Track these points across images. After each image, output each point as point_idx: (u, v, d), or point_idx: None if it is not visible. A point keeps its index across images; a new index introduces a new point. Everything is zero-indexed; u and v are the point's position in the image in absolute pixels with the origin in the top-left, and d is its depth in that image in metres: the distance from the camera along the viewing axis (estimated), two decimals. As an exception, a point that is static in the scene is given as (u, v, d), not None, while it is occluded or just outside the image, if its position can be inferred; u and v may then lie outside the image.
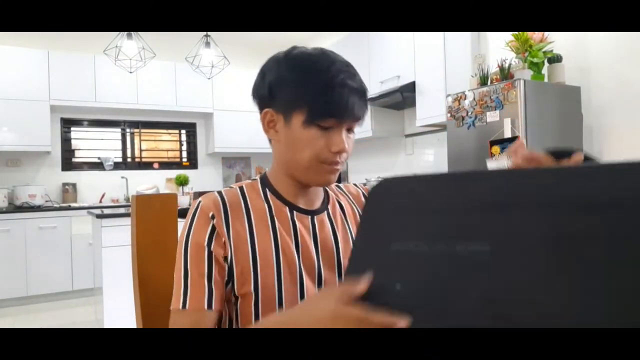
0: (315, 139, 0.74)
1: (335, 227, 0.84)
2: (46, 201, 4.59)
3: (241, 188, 0.82)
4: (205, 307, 0.73)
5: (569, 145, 2.76)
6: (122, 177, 5.11)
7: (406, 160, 4.26)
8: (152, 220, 0.85)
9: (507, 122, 2.60)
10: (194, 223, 0.76)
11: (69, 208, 4.42)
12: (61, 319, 3.77)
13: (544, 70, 2.88)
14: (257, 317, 0.76)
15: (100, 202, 4.98)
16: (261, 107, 0.80)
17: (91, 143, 5.14)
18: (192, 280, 0.74)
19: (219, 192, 0.80)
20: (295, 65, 0.76)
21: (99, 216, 2.78)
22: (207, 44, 3.82)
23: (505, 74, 2.80)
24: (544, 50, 2.84)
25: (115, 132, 5.26)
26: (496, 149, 2.66)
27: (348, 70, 0.75)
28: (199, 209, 0.77)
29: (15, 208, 4.31)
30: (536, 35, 2.85)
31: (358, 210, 0.91)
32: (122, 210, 3.02)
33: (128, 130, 5.30)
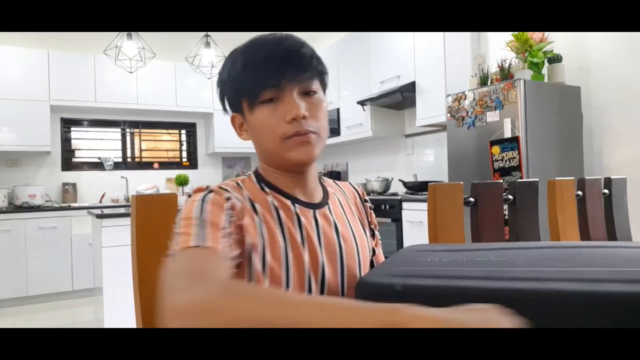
0: (267, 117, 0.72)
1: (336, 222, 0.82)
2: (46, 201, 4.59)
3: (238, 183, 0.79)
4: (220, 246, 0.64)
5: (569, 145, 2.76)
6: (122, 177, 5.11)
7: (406, 160, 4.26)
8: (152, 220, 0.85)
9: (507, 122, 2.60)
10: (209, 199, 0.70)
11: (69, 208, 4.42)
12: (61, 319, 3.77)
13: (544, 70, 2.88)
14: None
15: (100, 202, 4.98)
16: (230, 116, 0.81)
17: (91, 143, 5.14)
18: (211, 227, 0.65)
19: (221, 187, 0.75)
20: (228, 61, 0.76)
21: (99, 216, 2.78)
22: (207, 44, 3.82)
23: (505, 74, 2.80)
24: (544, 50, 2.84)
25: (115, 132, 5.26)
26: (496, 149, 2.66)
27: (278, 37, 0.73)
28: (210, 193, 0.71)
29: (15, 208, 4.31)
30: (536, 35, 2.85)
31: (353, 209, 0.90)
32: (122, 210, 3.02)
33: (128, 130, 5.30)
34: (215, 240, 0.64)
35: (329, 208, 0.83)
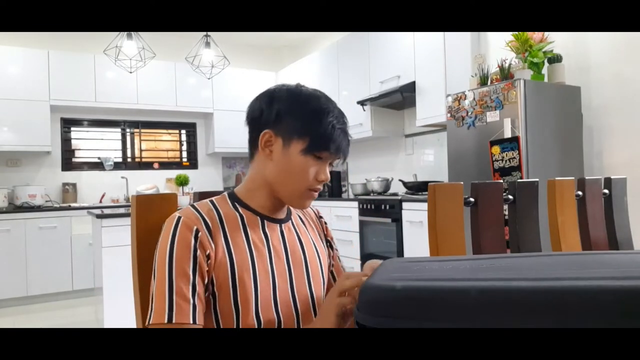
0: (308, 166, 0.86)
1: (299, 233, 0.95)
2: (46, 201, 4.59)
3: (211, 201, 0.88)
4: (191, 321, 0.75)
5: (569, 145, 2.76)
6: (122, 177, 5.11)
7: (406, 160, 4.26)
8: (152, 220, 0.85)
9: (507, 122, 2.60)
10: (177, 236, 0.78)
11: (69, 208, 4.42)
12: (61, 319, 3.77)
13: (544, 70, 2.88)
14: (237, 313, 0.82)
15: (100, 202, 4.98)
16: (259, 128, 0.88)
17: (91, 143, 5.14)
18: (177, 294, 0.75)
19: (193, 207, 0.85)
20: (307, 102, 0.87)
21: (99, 216, 2.78)
22: (207, 44, 3.82)
23: (505, 74, 2.80)
24: (544, 50, 2.84)
25: (115, 132, 5.26)
26: (496, 149, 2.66)
27: (343, 116, 0.90)
28: (180, 224, 0.79)
29: (15, 208, 4.31)
30: (536, 35, 2.85)
31: (312, 225, 1.03)
32: (122, 210, 3.02)
33: (128, 130, 5.30)
34: (183, 308, 0.76)
35: (292, 222, 0.96)
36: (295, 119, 0.86)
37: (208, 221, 0.82)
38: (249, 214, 0.89)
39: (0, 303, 4.10)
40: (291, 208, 0.98)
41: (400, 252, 3.40)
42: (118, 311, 2.73)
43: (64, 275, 4.30)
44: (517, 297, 0.47)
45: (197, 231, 0.79)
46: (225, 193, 0.92)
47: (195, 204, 0.86)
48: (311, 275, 0.92)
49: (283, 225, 0.93)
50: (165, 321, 0.74)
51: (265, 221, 0.90)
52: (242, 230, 0.86)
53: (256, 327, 0.83)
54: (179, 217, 0.80)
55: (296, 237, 0.94)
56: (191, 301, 0.76)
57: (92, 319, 3.66)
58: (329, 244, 1.05)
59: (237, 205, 0.89)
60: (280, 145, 0.86)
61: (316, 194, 0.90)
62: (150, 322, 0.75)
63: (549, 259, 0.63)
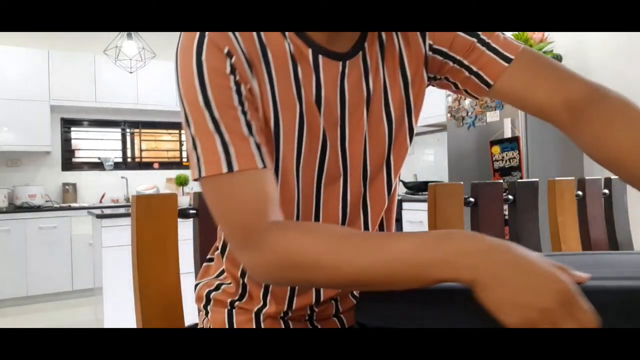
0: None
1: (369, 74, 0.66)
2: (46, 201, 4.59)
3: None
4: (258, 164, 0.55)
5: (569, 145, 2.76)
6: (122, 177, 5.11)
7: (406, 160, 4.25)
8: (152, 220, 0.85)
9: (507, 122, 2.60)
10: (204, 58, 0.55)
11: (69, 208, 4.42)
12: (61, 319, 3.77)
13: (544, 70, 2.88)
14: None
15: (100, 202, 4.98)
16: None
17: (91, 143, 5.14)
18: (229, 131, 0.54)
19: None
20: None
21: (99, 216, 2.78)
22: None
23: (505, 74, 2.80)
24: (544, 50, 2.84)
25: (115, 132, 5.26)
26: (496, 149, 2.66)
27: None
28: (205, 43, 0.55)
29: (15, 208, 4.31)
30: (536, 35, 2.85)
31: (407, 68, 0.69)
32: (122, 210, 3.02)
33: (128, 130, 5.30)
34: (244, 150, 0.55)
35: (364, 54, 0.65)
36: None
37: (243, 45, 0.57)
38: (299, 44, 0.60)
39: (0, 303, 4.10)
40: (368, 33, 0.65)
41: (400, 252, 3.39)
42: (118, 311, 2.73)
43: (64, 275, 4.31)
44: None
45: (230, 53, 0.55)
46: None
47: None
48: (368, 142, 0.67)
49: (347, 62, 0.63)
50: (225, 170, 0.53)
51: (320, 56, 0.61)
52: (290, 69, 0.60)
53: (296, 200, 0.64)
54: (202, 34, 0.56)
55: (363, 81, 0.65)
56: (251, 140, 0.55)
57: (92, 319, 3.66)
58: (437, 51, 0.68)
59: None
60: None
61: None
62: (204, 175, 0.54)
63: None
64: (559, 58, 2.88)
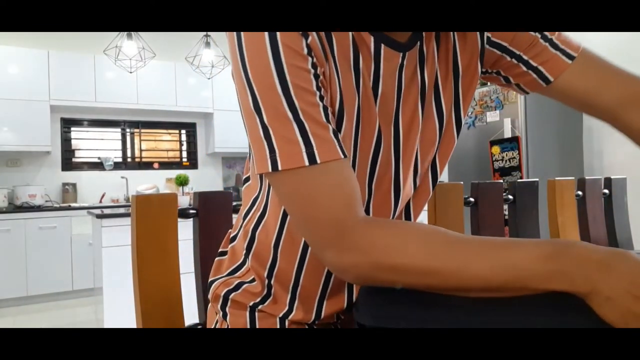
0: None
1: (425, 66, 0.63)
2: (46, 201, 4.59)
3: None
4: (341, 155, 0.51)
5: (569, 145, 2.76)
6: (122, 177, 5.11)
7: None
8: (152, 220, 0.85)
9: (507, 122, 2.60)
10: (280, 37, 0.49)
11: (69, 208, 4.42)
12: (61, 319, 3.77)
13: (544, 70, 2.88)
14: None
15: (100, 202, 4.98)
16: None
17: (91, 143, 5.14)
18: (308, 118, 0.50)
19: None
20: None
21: (99, 216, 2.78)
22: (207, 44, 3.82)
23: (505, 74, 2.80)
24: (544, 50, 2.84)
25: (115, 132, 5.26)
26: (496, 149, 2.66)
27: None
28: None
29: (15, 208, 4.31)
30: (536, 35, 2.85)
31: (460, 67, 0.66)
32: (122, 210, 3.02)
33: (128, 130, 5.30)
34: (327, 145, 0.50)
35: (421, 46, 0.62)
36: None
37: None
38: (361, 32, 0.57)
39: (0, 303, 4.10)
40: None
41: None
42: (118, 311, 2.73)
43: (64, 275, 4.31)
44: (518, 297, 0.47)
45: (306, 33, 0.51)
46: None
47: None
48: (420, 140, 0.64)
49: (407, 53, 0.60)
50: (307, 163, 0.49)
51: (383, 46, 0.58)
52: (351, 56, 0.56)
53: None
54: None
55: (418, 74, 0.62)
56: (330, 128, 0.51)
57: (92, 319, 3.66)
58: (495, 45, 0.66)
59: None
60: None
61: None
62: (282, 168, 0.49)
63: None
64: (559, 58, 2.88)
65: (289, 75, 0.49)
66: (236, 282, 0.69)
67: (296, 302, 0.65)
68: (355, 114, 0.57)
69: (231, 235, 0.74)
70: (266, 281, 0.66)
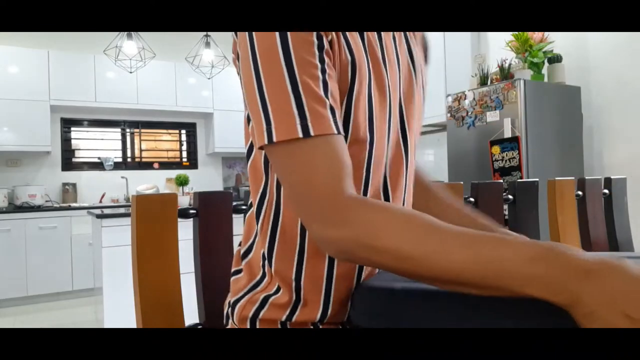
0: None
1: (411, 45, 0.69)
2: (46, 201, 4.59)
3: None
4: (334, 130, 0.52)
5: (569, 145, 2.76)
6: (122, 177, 5.11)
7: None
8: (152, 220, 0.85)
9: (507, 122, 2.60)
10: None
11: (69, 208, 4.42)
12: (61, 319, 3.77)
13: (544, 70, 2.88)
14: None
15: (100, 202, 4.98)
16: None
17: (91, 143, 5.14)
18: (307, 92, 0.51)
19: None
20: None
21: (99, 216, 2.78)
22: (207, 44, 3.82)
23: (505, 74, 2.80)
24: (544, 50, 2.84)
25: (115, 132, 5.26)
26: (496, 149, 2.66)
27: None
28: None
29: (15, 208, 4.31)
30: (536, 35, 2.85)
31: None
32: (122, 210, 3.02)
33: (128, 130, 5.30)
34: (322, 119, 0.51)
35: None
36: None
37: None
38: None
39: (0, 303, 4.10)
40: None
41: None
42: (118, 311, 2.73)
43: (64, 275, 4.30)
44: (513, 297, 0.47)
45: None
46: None
47: None
48: (415, 108, 0.69)
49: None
50: (301, 135, 0.50)
51: None
52: None
53: (366, 165, 0.61)
54: None
55: (406, 49, 0.68)
56: (327, 102, 0.52)
57: (92, 319, 3.66)
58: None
59: None
60: None
61: None
62: (275, 140, 0.51)
63: None
64: (559, 58, 2.88)
65: (293, 44, 0.50)
66: (261, 297, 0.64)
67: (331, 299, 0.62)
68: (366, 77, 0.59)
69: (242, 252, 0.70)
70: (294, 284, 0.62)
